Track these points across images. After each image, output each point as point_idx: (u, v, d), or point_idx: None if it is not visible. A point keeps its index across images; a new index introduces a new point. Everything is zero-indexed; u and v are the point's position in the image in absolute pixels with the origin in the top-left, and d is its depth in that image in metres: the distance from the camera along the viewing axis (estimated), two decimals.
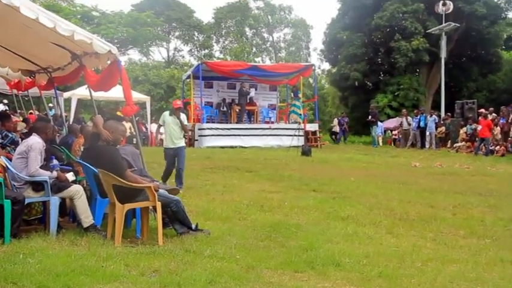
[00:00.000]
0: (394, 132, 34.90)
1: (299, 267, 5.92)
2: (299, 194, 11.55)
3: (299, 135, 24.42)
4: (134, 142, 8.83)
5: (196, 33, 62.94)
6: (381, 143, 31.66)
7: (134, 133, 9.57)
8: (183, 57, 63.55)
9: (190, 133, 24.40)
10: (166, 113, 12.53)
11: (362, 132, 39.82)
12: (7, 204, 6.54)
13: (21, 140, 9.25)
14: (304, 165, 17.87)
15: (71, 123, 17.12)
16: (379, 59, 43.87)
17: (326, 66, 57.20)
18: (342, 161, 19.98)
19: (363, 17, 41.00)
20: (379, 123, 32.38)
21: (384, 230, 8.10)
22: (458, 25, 35.51)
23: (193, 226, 7.38)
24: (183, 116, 12.34)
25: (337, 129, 35.31)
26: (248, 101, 28.13)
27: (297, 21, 63.87)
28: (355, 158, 21.51)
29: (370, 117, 31.57)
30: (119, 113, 27.79)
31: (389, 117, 38.59)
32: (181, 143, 12.31)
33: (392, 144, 33.65)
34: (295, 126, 25.15)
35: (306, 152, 21.60)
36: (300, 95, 28.55)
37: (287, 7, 64.27)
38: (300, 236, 7.45)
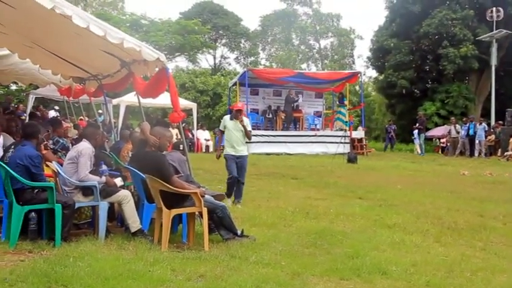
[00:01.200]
0: (442, 140, 34.32)
1: (345, 274, 5.88)
2: (345, 201, 11.48)
3: (345, 143, 24.29)
4: (181, 148, 8.92)
5: (242, 41, 63.25)
6: (419, 151, 31.18)
7: (181, 139, 9.67)
8: (230, 64, 63.96)
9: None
10: (227, 117, 11.28)
11: (409, 140, 39.28)
12: (58, 208, 6.69)
13: (72, 146, 9.44)
14: (350, 173, 17.76)
15: (119, 129, 17.41)
16: (427, 67, 43.21)
17: (372, 73, 56.69)
18: (389, 169, 19.79)
19: (411, 24, 40.46)
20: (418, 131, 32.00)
21: (431, 238, 7.98)
22: (510, 32, 34.73)
23: (239, 232, 7.41)
24: (246, 121, 11.01)
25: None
26: (294, 108, 28.10)
27: (341, 30, 63.52)
28: (402, 166, 21.27)
29: (417, 124, 31.17)
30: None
31: (436, 125, 37.95)
32: (244, 151, 11.03)
33: (440, 152, 33.10)
34: (341, 133, 25.02)
35: (351, 159, 21.47)
36: (346, 102, 28.44)
37: (335, 15, 64.00)
38: (345, 244, 7.40)
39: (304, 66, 61.65)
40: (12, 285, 4.88)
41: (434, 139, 37.00)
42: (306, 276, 5.77)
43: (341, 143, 23.62)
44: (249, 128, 11.06)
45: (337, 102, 29.50)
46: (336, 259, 6.52)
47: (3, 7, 7.80)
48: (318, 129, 29.07)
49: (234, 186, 10.80)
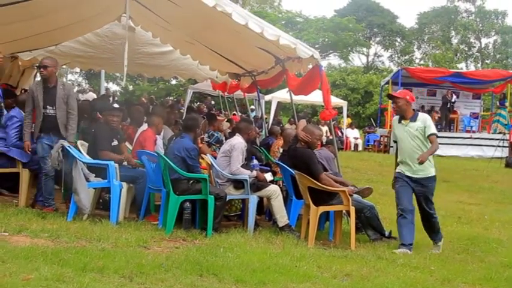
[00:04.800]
0: None
1: (499, 284, 5.64)
2: (501, 207, 10.94)
3: (503, 146, 23.01)
4: (329, 145, 8.91)
5: (398, 39, 61.86)
6: None
7: (331, 137, 9.62)
8: (383, 63, 62.80)
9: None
10: (396, 119, 7.42)
11: None
12: (211, 200, 6.96)
13: (225, 140, 9.77)
14: (508, 178, 16.79)
15: (270, 125, 17.76)
16: None
17: None
18: None
19: None
20: None
21: None
22: None
23: (387, 233, 7.32)
24: (422, 118, 7.15)
25: None
26: (450, 109, 27.10)
27: (506, 27, 59.96)
28: None
29: None
30: (349, 120, 28.20)
31: None
32: (429, 170, 7.13)
33: None
34: (499, 136, 23.74)
35: (510, 164, 20.29)
36: (507, 104, 26.93)
37: (501, 12, 60.57)
38: (501, 252, 7.08)
39: (461, 65, 59.07)
40: (168, 271, 5.14)
41: None
42: (456, 283, 5.60)
43: (499, 146, 22.40)
44: (432, 129, 7.07)
45: (497, 104, 28.02)
46: (490, 268, 6.27)
47: (170, 5, 8.25)
48: (473, 131, 27.79)
49: (408, 226, 7.01)
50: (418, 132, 7.00)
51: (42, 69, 7.48)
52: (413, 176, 7.04)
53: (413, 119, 7.09)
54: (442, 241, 7.14)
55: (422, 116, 7.21)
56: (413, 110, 7.29)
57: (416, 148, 6.99)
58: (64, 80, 37.01)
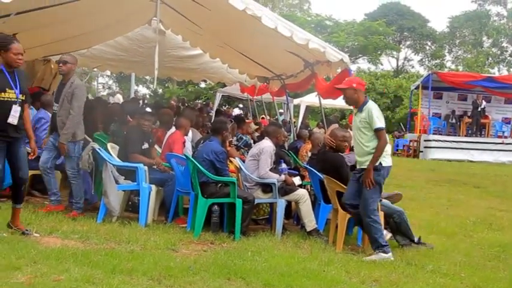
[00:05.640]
0: None
1: None
2: None
3: None
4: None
5: (429, 43, 61.26)
6: None
7: None
8: (413, 67, 62.21)
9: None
10: None
11: None
12: (239, 203, 6.96)
13: (254, 143, 9.77)
14: None
15: (298, 128, 17.75)
16: None
17: None
18: None
19: None
20: None
21: None
22: None
23: (416, 239, 7.24)
24: (367, 109, 6.50)
25: None
26: (481, 113, 26.76)
27: None
28: None
29: None
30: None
31: None
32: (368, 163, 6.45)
33: None
34: None
35: None
36: None
37: None
38: None
39: (494, 70, 58.21)
40: (196, 274, 5.16)
41: None
42: None
43: None
44: (377, 123, 6.42)
45: None
46: None
47: (200, 9, 8.30)
48: (505, 137, 27.41)
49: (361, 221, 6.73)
50: (361, 124, 6.50)
51: (61, 64, 7.35)
52: (359, 167, 6.64)
53: (360, 109, 6.57)
54: (386, 254, 6.38)
55: (368, 107, 6.50)
56: (366, 97, 6.71)
57: (359, 141, 6.56)
58: (95, 83, 37.36)
